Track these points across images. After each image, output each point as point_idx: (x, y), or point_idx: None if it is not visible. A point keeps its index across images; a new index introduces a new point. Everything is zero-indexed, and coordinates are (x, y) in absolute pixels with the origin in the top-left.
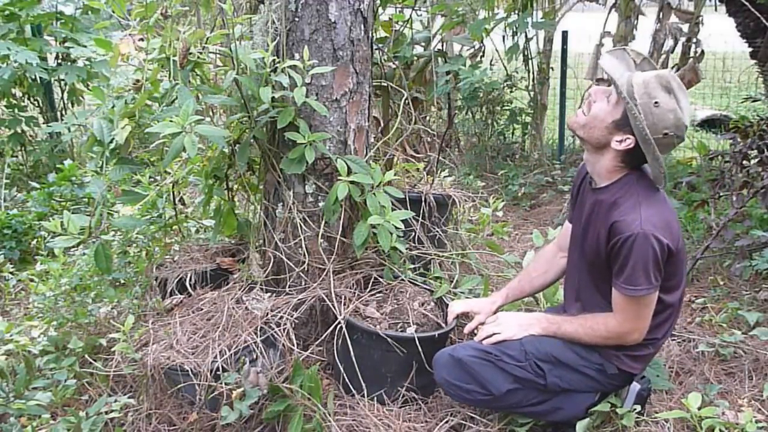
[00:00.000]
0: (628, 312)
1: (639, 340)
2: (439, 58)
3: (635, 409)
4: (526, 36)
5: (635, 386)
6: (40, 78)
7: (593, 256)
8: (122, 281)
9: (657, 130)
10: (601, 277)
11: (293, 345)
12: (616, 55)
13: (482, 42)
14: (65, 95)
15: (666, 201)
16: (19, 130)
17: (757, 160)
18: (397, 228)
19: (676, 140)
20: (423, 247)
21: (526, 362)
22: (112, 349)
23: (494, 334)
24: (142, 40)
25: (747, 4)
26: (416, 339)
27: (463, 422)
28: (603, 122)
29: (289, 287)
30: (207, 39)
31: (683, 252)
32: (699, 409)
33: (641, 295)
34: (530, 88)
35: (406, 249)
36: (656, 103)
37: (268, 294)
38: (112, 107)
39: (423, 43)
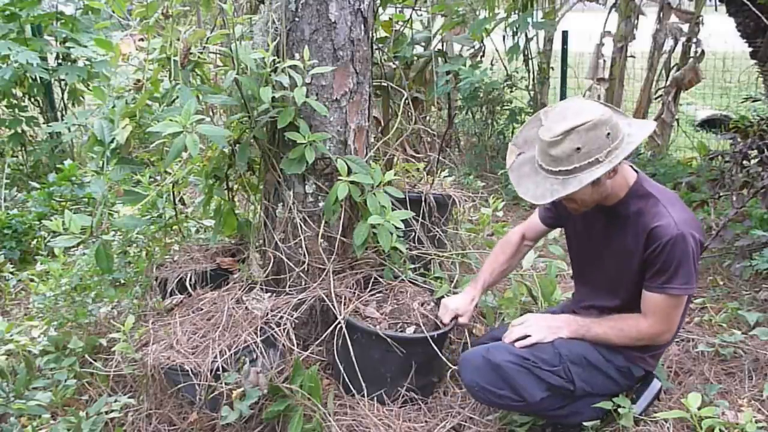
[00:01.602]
0: (662, 313)
1: (669, 340)
2: (439, 58)
3: (634, 409)
4: (526, 36)
5: (657, 384)
6: (41, 78)
7: (626, 266)
8: (122, 281)
9: (603, 145)
10: (625, 289)
11: (293, 345)
12: (519, 176)
13: (482, 42)
14: (65, 95)
15: (678, 197)
16: (19, 130)
17: (757, 160)
18: (397, 228)
19: (610, 121)
20: (423, 247)
21: (560, 366)
22: (112, 349)
23: (526, 336)
24: (142, 40)
25: (747, 3)
26: (423, 338)
27: (463, 422)
28: (590, 193)
29: (289, 287)
30: (207, 39)
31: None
32: (699, 409)
33: (680, 294)
34: (530, 87)
35: (406, 249)
36: (578, 149)
37: (268, 294)
38: (113, 107)
39: (423, 43)
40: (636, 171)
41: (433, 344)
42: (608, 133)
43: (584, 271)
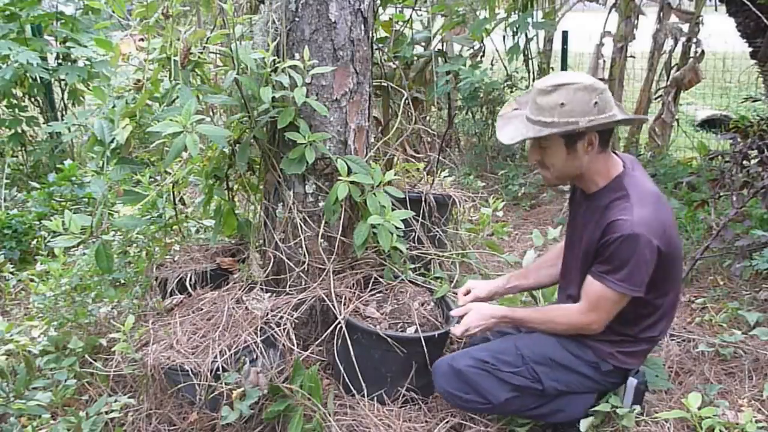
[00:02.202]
0: (594, 300)
1: (597, 332)
2: (439, 58)
3: (634, 409)
4: (526, 36)
5: (632, 381)
6: (41, 78)
7: (586, 257)
8: (122, 281)
9: (587, 110)
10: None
11: (293, 345)
12: (505, 122)
13: (482, 42)
14: (65, 95)
15: (662, 202)
16: (19, 130)
17: (757, 160)
18: (397, 228)
19: (603, 95)
20: (423, 247)
21: (523, 367)
22: (112, 349)
23: (467, 330)
24: (142, 40)
25: (747, 3)
26: (421, 338)
27: (463, 422)
28: (563, 160)
29: (289, 287)
30: (207, 39)
31: (678, 255)
32: (699, 409)
33: (616, 290)
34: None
35: (407, 249)
36: (562, 104)
37: (268, 294)
38: (113, 107)
39: (423, 43)
40: (626, 165)
41: (428, 344)
42: (596, 102)
43: (566, 259)
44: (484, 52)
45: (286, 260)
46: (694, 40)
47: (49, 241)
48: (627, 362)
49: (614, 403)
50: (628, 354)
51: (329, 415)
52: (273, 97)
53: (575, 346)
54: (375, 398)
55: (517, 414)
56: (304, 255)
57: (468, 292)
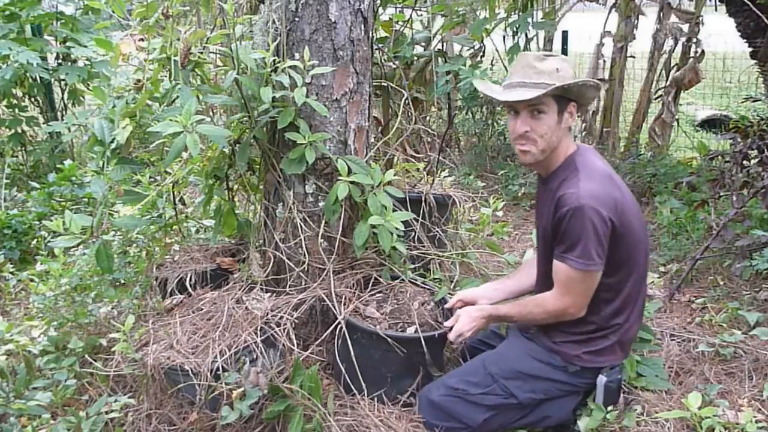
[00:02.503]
0: (564, 284)
1: (575, 317)
2: (439, 58)
3: (613, 410)
4: (526, 36)
5: (601, 379)
6: (41, 78)
7: (546, 240)
8: (122, 281)
9: (572, 77)
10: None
11: (293, 345)
12: (500, 89)
13: (482, 42)
14: (65, 95)
15: (613, 180)
16: (19, 130)
17: (757, 160)
18: (397, 228)
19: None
20: (423, 247)
21: (493, 385)
22: (112, 349)
23: (460, 335)
24: (142, 40)
25: (747, 3)
26: (421, 338)
27: None
28: (553, 128)
29: (289, 287)
30: (207, 39)
31: (638, 237)
32: (699, 409)
33: (586, 270)
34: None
35: (407, 249)
36: (557, 69)
37: (268, 294)
38: (113, 107)
39: (423, 43)
40: (579, 147)
41: (427, 344)
42: (574, 74)
43: (537, 247)
44: (484, 52)
45: (286, 260)
46: (694, 40)
47: (49, 241)
48: (597, 361)
49: (591, 405)
50: (596, 353)
51: (329, 415)
52: (273, 97)
53: (543, 353)
54: (375, 398)
55: (504, 429)
56: (304, 255)
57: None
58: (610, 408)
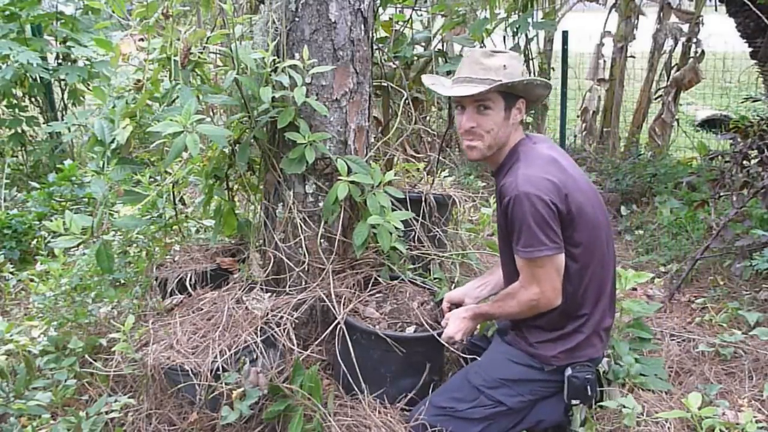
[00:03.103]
0: (529, 275)
1: (553, 304)
2: (440, 58)
3: (575, 402)
4: (526, 36)
5: (567, 371)
6: (41, 78)
7: (501, 233)
8: (122, 281)
9: (521, 74)
10: (504, 251)
11: (293, 345)
12: (447, 85)
13: (482, 42)
14: (66, 95)
15: (557, 161)
16: (19, 130)
17: (757, 160)
18: (397, 228)
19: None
20: (423, 247)
21: (481, 396)
22: (112, 349)
23: (451, 338)
24: (142, 40)
25: (747, 3)
26: (420, 338)
27: None
28: (500, 124)
29: (289, 287)
30: (207, 39)
31: (587, 219)
32: (699, 409)
33: (536, 257)
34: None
35: (406, 249)
36: (504, 66)
37: (268, 294)
38: (113, 107)
39: (423, 43)
40: (528, 137)
41: (427, 344)
42: (523, 72)
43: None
44: None
45: (286, 260)
46: (694, 40)
47: (49, 242)
48: (575, 356)
49: (624, 402)
50: (572, 349)
51: (329, 415)
52: (273, 97)
53: (523, 356)
54: (375, 398)
55: None
56: (304, 255)
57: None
58: (574, 402)
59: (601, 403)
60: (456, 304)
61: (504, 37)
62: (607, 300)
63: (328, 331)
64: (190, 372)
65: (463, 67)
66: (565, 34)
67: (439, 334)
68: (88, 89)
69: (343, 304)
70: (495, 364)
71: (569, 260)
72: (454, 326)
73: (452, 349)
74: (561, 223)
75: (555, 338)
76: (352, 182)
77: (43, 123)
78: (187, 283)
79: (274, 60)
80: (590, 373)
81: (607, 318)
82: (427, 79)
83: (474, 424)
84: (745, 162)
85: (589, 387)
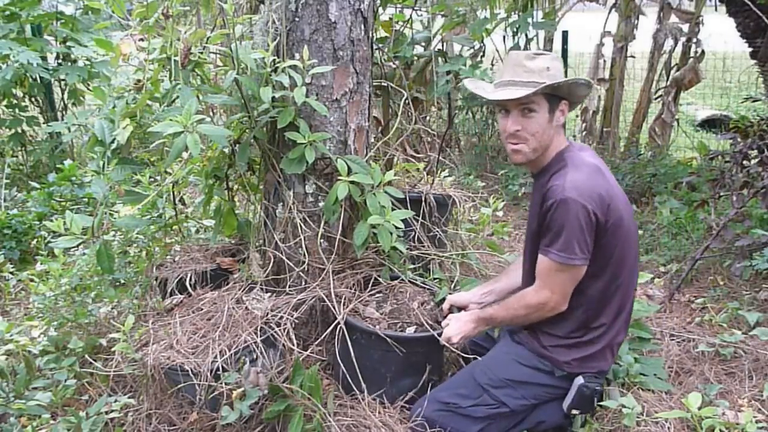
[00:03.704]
0: (545, 276)
1: (557, 310)
2: (440, 58)
3: (575, 412)
4: (526, 36)
5: (578, 380)
6: (41, 78)
7: (534, 236)
8: (122, 281)
9: (563, 75)
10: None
11: (293, 345)
12: (490, 88)
13: (482, 42)
14: (66, 95)
15: (600, 173)
16: (19, 130)
17: (757, 160)
18: (397, 228)
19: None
20: (423, 247)
21: (484, 395)
22: (112, 349)
23: (449, 339)
24: (142, 40)
25: (748, 3)
26: (420, 338)
27: None
28: (544, 126)
29: (289, 287)
30: (207, 39)
31: (623, 232)
32: (699, 409)
33: (566, 263)
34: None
35: (406, 249)
36: (548, 68)
37: (268, 294)
38: (113, 107)
39: (423, 43)
40: (571, 144)
41: (427, 344)
42: (565, 72)
43: (524, 245)
44: (484, 52)
45: (286, 260)
46: (694, 40)
47: (49, 242)
48: (585, 366)
49: (624, 402)
50: (585, 359)
51: (329, 415)
52: (273, 97)
53: (532, 358)
54: (375, 398)
55: None
56: (304, 255)
57: (450, 308)
58: (574, 412)
59: (600, 403)
60: (459, 308)
61: (504, 37)
62: (625, 315)
63: (328, 331)
64: (190, 372)
65: (505, 71)
66: (565, 33)
67: (440, 334)
68: (88, 89)
69: (343, 304)
70: (502, 364)
71: (600, 269)
72: (455, 328)
73: (452, 349)
74: (598, 233)
75: (569, 345)
76: (352, 182)
77: (43, 123)
78: (187, 283)
79: (274, 60)
80: (599, 385)
81: (621, 333)
82: (469, 84)
83: (474, 422)
84: (745, 162)
85: (595, 399)
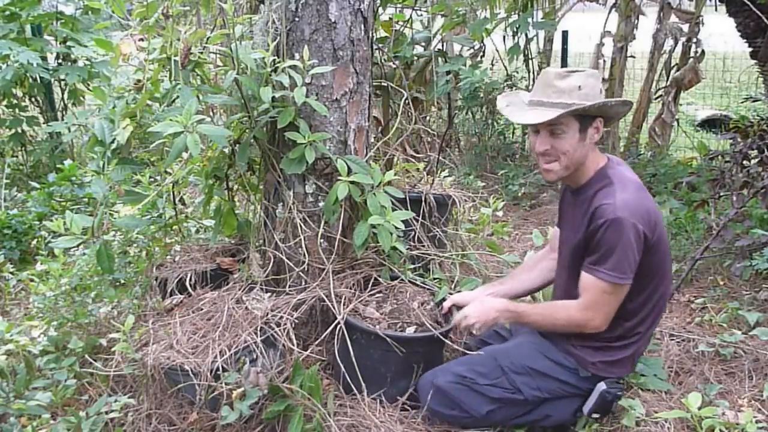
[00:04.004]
0: (590, 295)
1: (599, 329)
2: (439, 58)
3: (595, 416)
4: (526, 36)
5: (601, 385)
6: (41, 78)
7: (575, 252)
8: (122, 281)
9: (598, 94)
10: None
11: (293, 345)
12: (518, 107)
13: (482, 42)
14: (66, 95)
15: (644, 191)
16: (19, 130)
17: (757, 160)
18: (397, 228)
19: (602, 85)
20: (423, 247)
21: (502, 377)
22: (112, 349)
23: (465, 317)
24: (142, 40)
25: (747, 3)
26: (420, 338)
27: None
28: (575, 146)
29: (289, 287)
30: (207, 39)
31: (664, 246)
32: (699, 409)
33: (615, 282)
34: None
35: (406, 249)
36: (579, 87)
37: (268, 294)
38: (113, 107)
39: (423, 43)
40: (610, 159)
41: (427, 344)
42: (601, 89)
43: (558, 266)
44: (484, 52)
45: (286, 260)
46: (694, 40)
47: (49, 242)
48: (609, 371)
49: (627, 405)
50: (611, 363)
51: (329, 415)
52: (273, 97)
53: (557, 353)
54: (375, 398)
55: (505, 423)
56: (304, 255)
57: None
58: (595, 416)
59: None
60: (460, 308)
61: (504, 37)
62: (655, 327)
63: (328, 331)
64: (190, 372)
65: (535, 90)
66: (564, 33)
67: (442, 334)
68: (88, 89)
69: (343, 304)
70: (525, 352)
71: (643, 284)
72: (478, 311)
73: (463, 334)
74: (644, 251)
75: (598, 347)
76: (352, 182)
77: (43, 123)
78: (187, 283)
79: (274, 60)
80: (620, 391)
81: (646, 344)
82: (500, 101)
83: (486, 402)
84: (745, 162)
85: (615, 404)
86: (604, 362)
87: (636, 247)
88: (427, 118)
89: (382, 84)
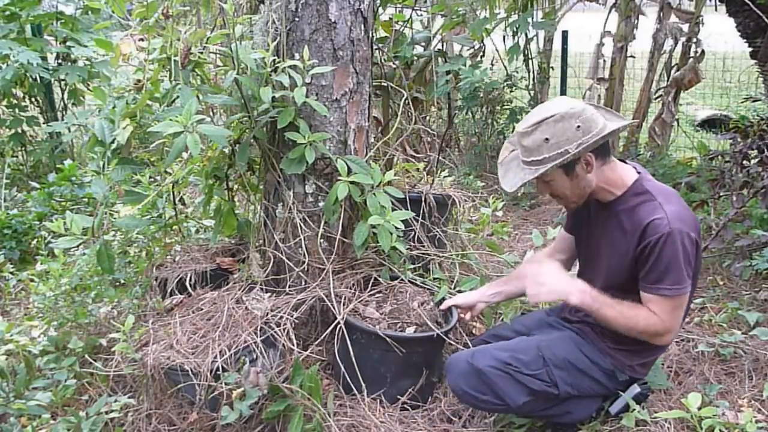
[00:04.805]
0: (669, 312)
1: (668, 342)
2: (439, 58)
3: (634, 410)
4: (526, 36)
5: (635, 388)
6: (41, 78)
7: (617, 266)
8: (122, 281)
9: (572, 137)
10: (621, 290)
11: (293, 345)
12: (505, 169)
13: (482, 42)
14: (66, 95)
15: (679, 196)
16: (19, 130)
17: (757, 160)
18: (397, 228)
19: (584, 116)
20: (423, 247)
21: (543, 369)
22: (112, 349)
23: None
24: (142, 40)
25: (748, 3)
26: (420, 338)
27: (463, 422)
28: (570, 187)
29: (289, 287)
30: (207, 39)
31: (700, 247)
32: (699, 409)
33: (680, 294)
34: (530, 87)
35: (406, 249)
36: (546, 139)
37: (268, 294)
38: (113, 107)
39: (423, 43)
40: (639, 171)
41: (427, 344)
42: (578, 126)
43: (585, 270)
44: (484, 52)
45: (286, 260)
46: (694, 40)
47: (49, 242)
48: (641, 373)
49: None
50: (643, 365)
51: (329, 415)
52: (273, 97)
53: (595, 352)
54: (375, 398)
55: (525, 414)
56: (304, 255)
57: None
58: (622, 414)
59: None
60: (466, 309)
61: (504, 37)
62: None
63: (328, 331)
64: (190, 372)
65: (503, 150)
66: (564, 33)
67: (443, 333)
68: (88, 89)
69: (343, 304)
70: (566, 346)
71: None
72: (558, 283)
73: (532, 301)
74: (695, 256)
75: (634, 350)
76: (352, 182)
77: (43, 123)
78: (187, 283)
79: (274, 60)
80: (649, 391)
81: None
82: (500, 170)
83: (525, 392)
84: (745, 162)
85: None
86: (639, 364)
87: (691, 253)
88: (427, 118)
89: (382, 84)
